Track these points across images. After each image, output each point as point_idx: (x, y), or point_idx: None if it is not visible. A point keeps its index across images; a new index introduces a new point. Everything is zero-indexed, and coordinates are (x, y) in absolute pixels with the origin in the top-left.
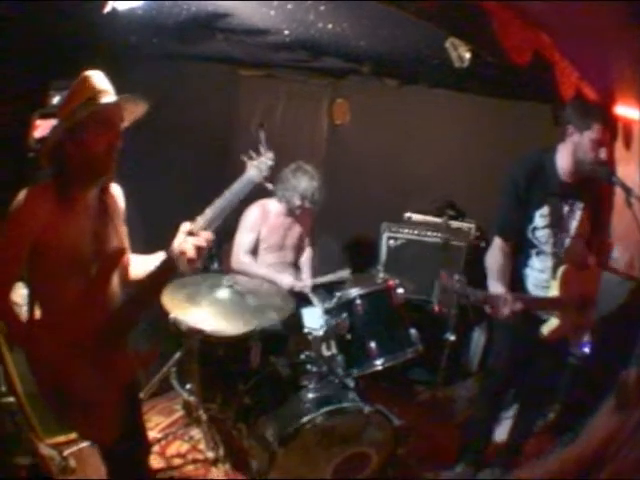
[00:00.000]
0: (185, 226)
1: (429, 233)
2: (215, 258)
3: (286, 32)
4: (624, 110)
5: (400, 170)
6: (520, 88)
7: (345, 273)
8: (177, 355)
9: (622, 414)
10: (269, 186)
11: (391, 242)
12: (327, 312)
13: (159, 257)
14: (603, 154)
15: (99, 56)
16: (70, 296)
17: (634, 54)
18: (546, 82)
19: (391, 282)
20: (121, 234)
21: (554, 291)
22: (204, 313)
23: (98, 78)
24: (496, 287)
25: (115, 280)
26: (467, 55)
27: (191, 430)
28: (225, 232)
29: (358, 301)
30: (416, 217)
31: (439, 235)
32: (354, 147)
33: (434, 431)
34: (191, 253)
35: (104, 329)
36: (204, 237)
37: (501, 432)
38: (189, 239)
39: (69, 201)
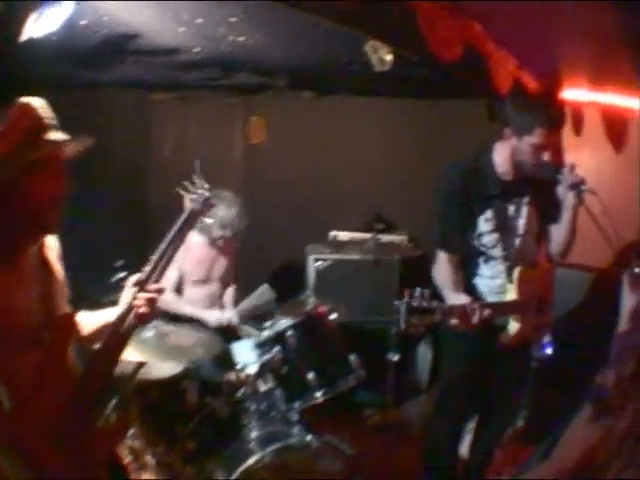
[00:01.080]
0: (133, 279)
1: (357, 251)
2: None
3: (196, 49)
4: (572, 93)
5: (324, 186)
6: (450, 86)
7: (265, 290)
8: (114, 401)
9: (603, 422)
10: (208, 220)
11: (318, 264)
12: (258, 346)
13: (109, 314)
14: (547, 156)
15: (11, 85)
16: (28, 372)
17: (581, 29)
18: (479, 76)
19: (322, 308)
20: (64, 292)
21: (512, 294)
22: (129, 355)
23: (43, 108)
24: (458, 298)
25: (70, 347)
26: (388, 57)
27: (142, 475)
28: None
29: (289, 332)
30: (342, 235)
31: (369, 252)
32: (273, 167)
33: (391, 454)
34: (144, 309)
35: (71, 404)
36: (155, 289)
37: (467, 447)
38: (140, 295)
39: (10, 262)
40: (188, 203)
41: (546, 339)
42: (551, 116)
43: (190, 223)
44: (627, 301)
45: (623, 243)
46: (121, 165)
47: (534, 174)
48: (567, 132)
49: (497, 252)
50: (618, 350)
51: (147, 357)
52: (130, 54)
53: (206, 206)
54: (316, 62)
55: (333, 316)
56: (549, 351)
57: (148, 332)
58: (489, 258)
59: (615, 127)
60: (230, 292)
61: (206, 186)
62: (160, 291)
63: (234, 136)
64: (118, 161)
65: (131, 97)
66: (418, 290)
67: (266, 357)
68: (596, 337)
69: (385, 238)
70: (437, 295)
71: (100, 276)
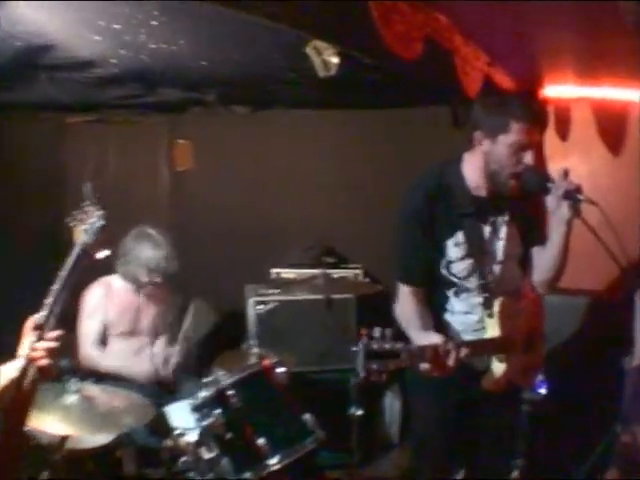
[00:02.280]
0: (31, 322)
1: (305, 290)
2: (63, 353)
3: (113, 61)
4: (556, 90)
5: (263, 217)
6: (409, 91)
7: (199, 305)
8: (45, 473)
9: None
10: (102, 255)
11: (259, 308)
12: (196, 409)
13: (10, 369)
14: (528, 159)
15: None
16: None
17: (565, 15)
18: (443, 77)
19: (267, 361)
20: None
21: (493, 331)
22: (52, 425)
23: None
24: (427, 337)
25: None
26: (334, 60)
27: None
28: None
29: (231, 391)
30: (287, 272)
31: (318, 290)
32: (204, 197)
33: None
34: (43, 361)
35: None
36: (52, 336)
37: None
38: (37, 344)
39: None
40: (80, 235)
41: (538, 378)
42: (529, 109)
43: (83, 258)
44: None
45: (628, 259)
46: (34, 198)
47: (510, 186)
48: (550, 137)
49: (471, 282)
50: (635, 391)
51: (73, 427)
52: (43, 69)
53: (100, 237)
54: (249, 71)
55: (281, 369)
56: (542, 391)
57: (71, 396)
58: (461, 290)
59: (611, 125)
60: (160, 344)
61: (99, 213)
62: (59, 338)
63: (159, 162)
64: (30, 194)
65: (44, 120)
66: (377, 330)
67: (206, 422)
68: (597, 370)
69: (337, 274)
70: (401, 335)
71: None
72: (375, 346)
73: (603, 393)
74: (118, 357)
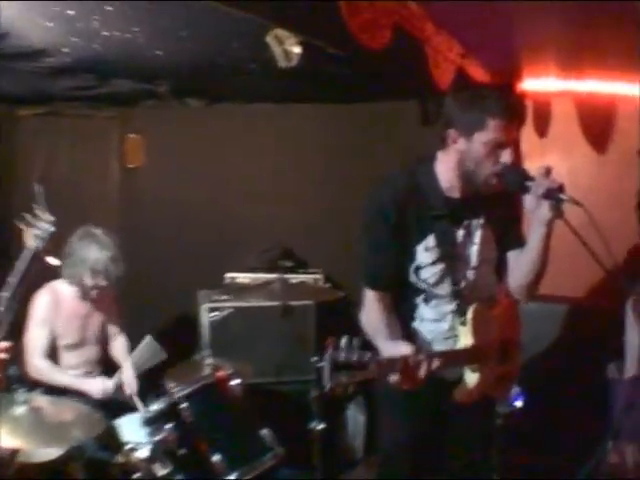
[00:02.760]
0: None
1: (261, 296)
2: (11, 362)
3: (65, 50)
4: (537, 84)
5: (217, 217)
6: (375, 84)
7: (149, 343)
8: None
9: None
10: (53, 261)
11: (213, 315)
12: (148, 423)
13: None
14: (507, 157)
15: None
16: None
17: (547, 4)
18: (412, 69)
19: (221, 372)
20: None
21: (466, 340)
22: (3, 436)
23: None
24: (396, 347)
25: None
26: (296, 50)
27: None
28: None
29: (183, 404)
30: (242, 277)
31: (275, 297)
32: (155, 195)
33: None
34: None
35: None
36: (2, 348)
37: None
38: None
39: None
40: (30, 240)
41: (514, 390)
42: (507, 104)
43: (33, 264)
44: (635, 337)
45: (614, 264)
46: None
47: (490, 186)
48: (528, 134)
49: (442, 289)
50: (626, 404)
51: (22, 439)
52: None
53: (49, 242)
54: (206, 61)
55: (236, 381)
56: (518, 404)
57: (19, 407)
58: (431, 297)
59: (596, 121)
60: (121, 345)
61: (50, 218)
62: (8, 350)
63: (109, 158)
64: None
65: None
66: (344, 339)
67: (158, 436)
68: (579, 382)
69: (295, 279)
70: (369, 345)
71: None
72: (341, 357)
73: (586, 406)
74: (68, 370)
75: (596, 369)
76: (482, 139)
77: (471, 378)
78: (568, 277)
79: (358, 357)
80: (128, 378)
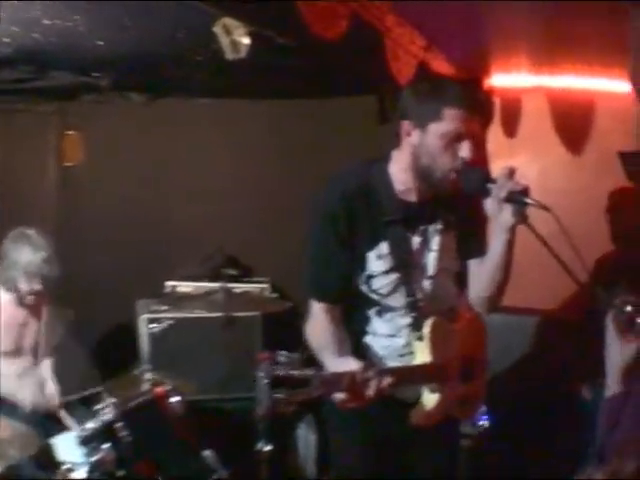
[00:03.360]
0: None
1: (204, 306)
2: None
3: (6, 40)
4: (507, 79)
5: (158, 220)
6: (329, 78)
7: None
8: None
9: None
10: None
11: (153, 326)
12: (84, 442)
13: None
14: (466, 152)
15: None
16: None
17: None
18: (370, 62)
19: (160, 389)
20: None
21: (423, 357)
22: None
23: None
24: (343, 363)
25: None
26: (245, 41)
27: None
28: None
29: (120, 423)
30: (183, 286)
31: (218, 307)
32: (93, 195)
33: None
34: None
35: None
36: None
37: None
38: None
39: None
40: None
41: (479, 410)
42: (466, 94)
43: None
44: (617, 353)
45: (587, 274)
46: None
47: (447, 185)
48: (495, 133)
49: (396, 300)
50: (610, 424)
51: None
52: None
53: None
54: (149, 52)
55: (176, 398)
56: (485, 424)
57: None
58: (384, 309)
59: (571, 119)
60: (47, 366)
61: None
62: None
63: (47, 156)
64: None
65: None
66: (282, 354)
67: (95, 457)
68: (550, 400)
69: (239, 288)
70: (312, 360)
71: None
72: (280, 372)
73: (558, 425)
74: (3, 380)
75: (567, 385)
76: (437, 130)
77: (430, 399)
78: (538, 288)
79: (299, 373)
80: (51, 392)
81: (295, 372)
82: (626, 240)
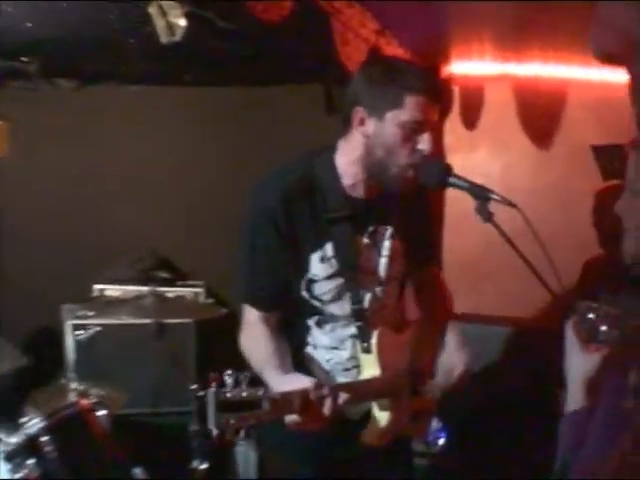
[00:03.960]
0: None
1: (133, 312)
2: None
3: None
4: (468, 67)
5: (87, 218)
6: (272, 64)
7: None
8: None
9: None
10: None
11: (79, 333)
12: (7, 458)
13: None
14: (426, 143)
15: None
16: None
17: None
18: (315, 48)
19: (85, 401)
20: None
21: (371, 370)
22: None
23: None
24: (291, 380)
25: None
26: (182, 23)
27: None
28: None
29: (44, 437)
30: (111, 290)
31: (147, 312)
32: (18, 190)
33: None
34: None
35: None
36: None
37: None
38: None
39: None
40: None
41: (435, 425)
42: (428, 80)
43: None
44: (578, 365)
45: (559, 280)
46: None
47: (403, 182)
48: (453, 125)
49: (340, 308)
50: (573, 442)
51: None
52: None
53: None
54: (80, 36)
55: (102, 411)
56: (441, 441)
57: None
58: (326, 318)
59: (540, 110)
60: None
61: None
62: None
63: None
64: None
65: None
66: (230, 374)
67: (20, 473)
68: (516, 416)
69: (172, 292)
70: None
71: None
72: (228, 395)
73: (530, 438)
74: None
75: (541, 398)
76: (397, 119)
77: (381, 416)
78: (504, 295)
79: (249, 394)
80: None
81: (244, 393)
82: (615, 243)
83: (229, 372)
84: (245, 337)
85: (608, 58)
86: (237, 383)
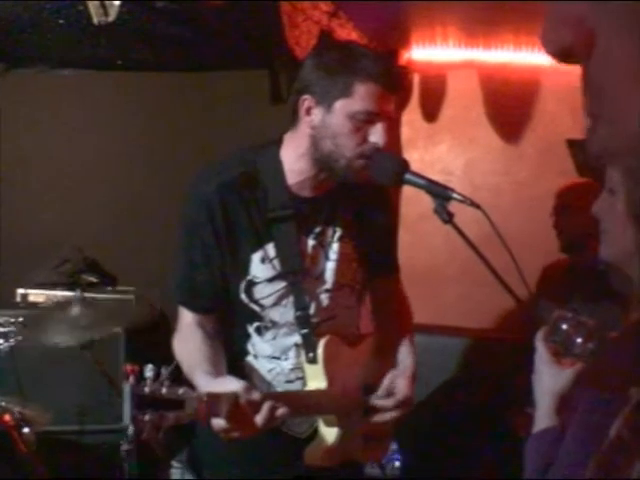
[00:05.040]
0: None
1: (59, 319)
2: None
3: None
4: (430, 52)
5: (8, 216)
6: (213, 48)
7: None
8: None
9: None
10: None
11: (0, 342)
12: None
13: None
14: (379, 136)
15: None
16: None
17: None
18: (261, 31)
19: (7, 416)
20: None
21: (317, 382)
22: None
23: None
24: (222, 383)
25: None
26: (116, 1)
27: None
28: None
29: None
30: (35, 294)
31: (74, 320)
32: None
33: None
34: None
35: None
36: None
37: None
38: None
39: None
40: None
41: (388, 448)
42: (382, 66)
43: None
44: (548, 381)
45: (527, 287)
46: None
47: (353, 176)
48: (411, 117)
49: (282, 314)
50: (541, 463)
51: None
52: None
53: None
54: (4, 13)
55: (26, 428)
56: (396, 465)
57: None
58: (267, 325)
59: (509, 101)
60: None
61: None
62: None
63: None
64: None
65: None
66: (150, 368)
67: None
68: (477, 436)
69: (101, 297)
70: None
71: None
72: (147, 390)
73: (487, 459)
74: None
75: (500, 416)
76: (347, 109)
77: (328, 434)
78: (466, 304)
79: (169, 391)
80: None
81: (164, 390)
82: (579, 246)
83: (149, 366)
84: (178, 341)
85: (564, 54)
86: (157, 379)
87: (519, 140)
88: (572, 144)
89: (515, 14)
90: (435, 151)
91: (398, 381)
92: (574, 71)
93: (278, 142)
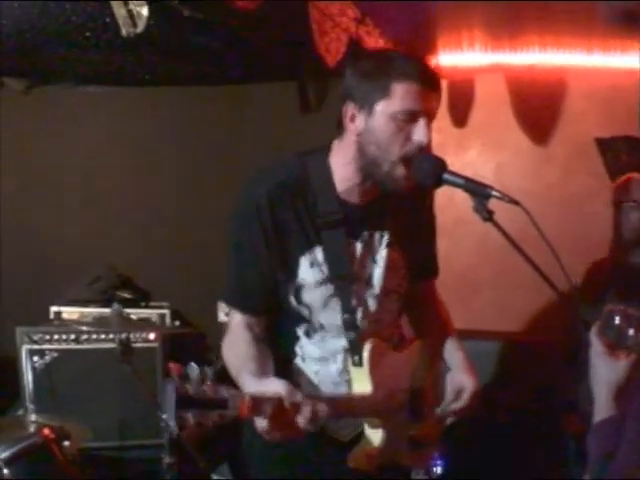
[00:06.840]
0: None
1: (95, 335)
2: None
3: None
4: (457, 58)
5: (40, 234)
6: (242, 59)
7: None
8: None
9: None
10: None
11: (36, 359)
12: None
13: None
14: (421, 134)
15: None
16: None
17: None
18: (291, 40)
19: (47, 430)
20: None
21: (362, 385)
22: None
23: None
24: (266, 384)
25: None
26: (144, 11)
27: None
28: None
29: (6, 470)
30: (70, 311)
31: (112, 335)
32: None
33: None
34: None
35: None
36: None
37: None
38: None
39: None
40: None
41: (431, 454)
42: (419, 65)
43: None
44: (605, 373)
45: (567, 289)
46: None
47: (396, 180)
48: (441, 123)
49: (329, 317)
50: (604, 453)
51: None
52: None
53: None
54: (31, 29)
55: (66, 442)
56: (438, 471)
57: None
58: (315, 327)
59: (537, 103)
60: None
61: None
62: None
63: None
64: None
65: None
66: (194, 368)
67: None
68: (519, 441)
69: (136, 313)
70: (227, 377)
71: None
72: (191, 390)
73: (530, 468)
74: None
75: (540, 419)
76: (387, 110)
77: (372, 436)
78: (505, 308)
79: (213, 391)
80: None
81: (208, 390)
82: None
83: (193, 366)
84: (226, 343)
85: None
86: (203, 379)
87: (548, 142)
88: (601, 143)
89: (539, 15)
90: (466, 156)
91: (460, 378)
92: (600, 70)
93: (327, 149)
